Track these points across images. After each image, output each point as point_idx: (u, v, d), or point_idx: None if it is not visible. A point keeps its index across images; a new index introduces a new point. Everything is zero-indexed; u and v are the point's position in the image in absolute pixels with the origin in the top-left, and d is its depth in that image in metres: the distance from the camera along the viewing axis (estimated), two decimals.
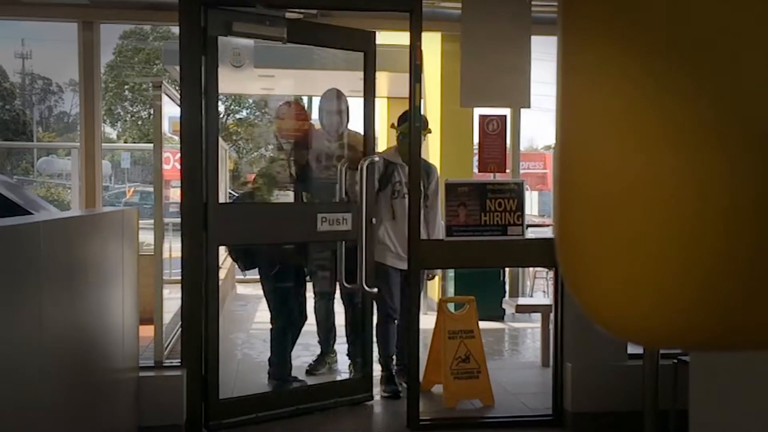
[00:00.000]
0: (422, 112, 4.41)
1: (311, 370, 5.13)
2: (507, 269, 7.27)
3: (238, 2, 4.80)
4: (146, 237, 5.04)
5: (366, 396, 4.61)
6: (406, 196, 4.64)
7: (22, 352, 2.23)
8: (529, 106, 4.46)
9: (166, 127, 6.19)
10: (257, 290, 6.74)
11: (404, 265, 4.64)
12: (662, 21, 0.47)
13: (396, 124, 4.99)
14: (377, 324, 4.90)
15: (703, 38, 0.46)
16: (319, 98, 5.28)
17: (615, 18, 0.49)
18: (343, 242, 4.55)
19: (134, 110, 31.19)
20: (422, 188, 4.63)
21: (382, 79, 9.61)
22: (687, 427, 2.70)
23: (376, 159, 4.59)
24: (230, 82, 4.95)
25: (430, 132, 4.95)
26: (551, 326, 4.62)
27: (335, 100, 5.15)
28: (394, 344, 4.88)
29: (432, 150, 8.14)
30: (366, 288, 4.43)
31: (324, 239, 4.57)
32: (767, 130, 0.45)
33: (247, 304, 8.16)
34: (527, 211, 4.42)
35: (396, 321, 4.89)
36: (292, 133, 5.22)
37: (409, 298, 4.72)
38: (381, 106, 10.81)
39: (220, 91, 4.18)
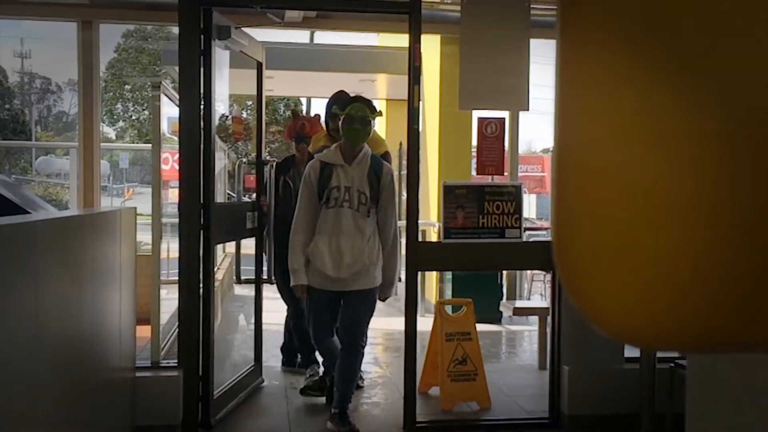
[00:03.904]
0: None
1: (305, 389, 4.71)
2: (504, 272, 7.28)
3: (237, 3, 4.80)
4: (144, 237, 5.04)
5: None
6: (347, 204, 3.90)
7: (18, 353, 2.23)
8: (527, 109, 4.46)
9: (165, 127, 6.19)
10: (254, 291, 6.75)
11: (338, 286, 3.93)
12: (661, 25, 0.47)
13: (339, 109, 4.08)
14: (315, 344, 4.25)
15: (702, 41, 0.47)
16: (319, 99, 5.27)
17: (614, 22, 0.49)
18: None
19: (134, 110, 31.18)
20: (367, 192, 3.94)
21: (381, 81, 9.65)
22: (684, 430, 2.70)
23: (270, 159, 4.75)
24: (230, 82, 4.95)
25: (380, 115, 4.18)
26: (548, 329, 4.62)
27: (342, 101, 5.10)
28: (345, 377, 4.06)
29: (430, 152, 8.15)
30: (271, 280, 4.75)
31: (244, 237, 4.85)
32: (766, 132, 0.45)
33: (244, 305, 8.16)
34: (525, 213, 4.42)
35: (353, 349, 4.04)
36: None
37: (354, 323, 4.02)
38: (380, 108, 10.81)
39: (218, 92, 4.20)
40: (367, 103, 4.03)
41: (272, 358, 5.44)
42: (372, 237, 3.95)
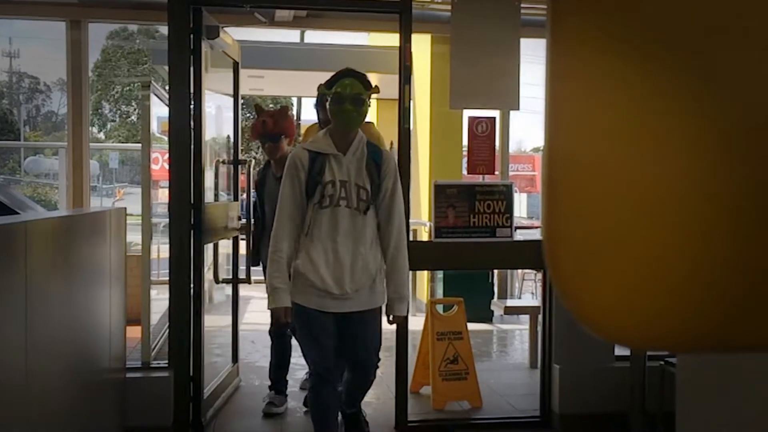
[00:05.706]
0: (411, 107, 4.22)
1: None
2: (495, 271, 7.29)
3: (227, 3, 4.79)
4: (134, 237, 5.02)
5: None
6: (344, 203, 3.12)
7: (7, 354, 2.21)
8: (518, 108, 4.47)
9: (154, 127, 6.17)
10: (246, 291, 6.72)
11: (339, 306, 3.14)
12: (652, 23, 0.47)
13: (325, 87, 3.24)
14: (309, 389, 3.45)
15: (695, 40, 0.47)
16: (309, 99, 5.18)
17: (604, 21, 0.49)
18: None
19: (123, 110, 31.06)
20: (367, 186, 3.17)
21: (371, 80, 9.64)
22: (674, 428, 2.71)
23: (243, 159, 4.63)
24: (218, 81, 4.94)
25: (377, 92, 3.32)
26: (539, 328, 4.63)
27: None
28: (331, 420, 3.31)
29: (421, 151, 8.16)
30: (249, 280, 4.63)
31: (227, 236, 4.74)
32: (762, 131, 0.45)
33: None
34: (516, 213, 4.43)
35: (337, 387, 3.29)
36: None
37: (360, 350, 3.29)
38: (371, 108, 10.79)
39: (209, 91, 4.19)
40: (360, 78, 3.22)
41: (263, 358, 5.42)
42: (375, 240, 3.21)
